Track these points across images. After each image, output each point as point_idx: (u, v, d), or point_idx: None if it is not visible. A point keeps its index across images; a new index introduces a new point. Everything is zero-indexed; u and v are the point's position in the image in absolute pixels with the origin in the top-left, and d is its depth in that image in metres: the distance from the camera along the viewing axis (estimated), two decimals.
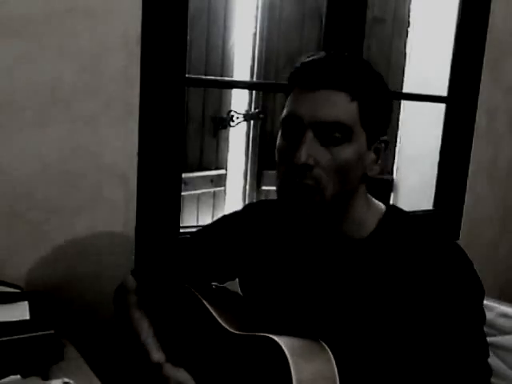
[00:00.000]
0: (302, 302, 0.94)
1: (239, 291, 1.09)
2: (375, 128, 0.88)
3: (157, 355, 0.97)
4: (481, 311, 0.86)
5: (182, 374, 0.94)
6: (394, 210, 0.96)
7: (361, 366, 0.87)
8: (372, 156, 0.89)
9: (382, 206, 0.96)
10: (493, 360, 0.92)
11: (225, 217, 1.12)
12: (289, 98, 0.89)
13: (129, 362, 1.08)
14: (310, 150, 0.83)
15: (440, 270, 0.85)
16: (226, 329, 0.96)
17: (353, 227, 0.92)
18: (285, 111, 0.88)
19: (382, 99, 0.89)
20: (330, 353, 0.84)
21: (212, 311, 1.01)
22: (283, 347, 0.82)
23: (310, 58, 0.87)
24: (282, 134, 0.89)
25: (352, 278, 0.90)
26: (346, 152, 0.84)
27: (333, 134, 0.83)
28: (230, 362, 0.95)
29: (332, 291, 0.91)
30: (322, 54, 0.88)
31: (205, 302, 1.03)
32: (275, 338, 0.85)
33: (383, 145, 0.90)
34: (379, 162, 0.90)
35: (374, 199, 0.96)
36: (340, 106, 0.83)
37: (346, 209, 0.90)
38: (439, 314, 0.83)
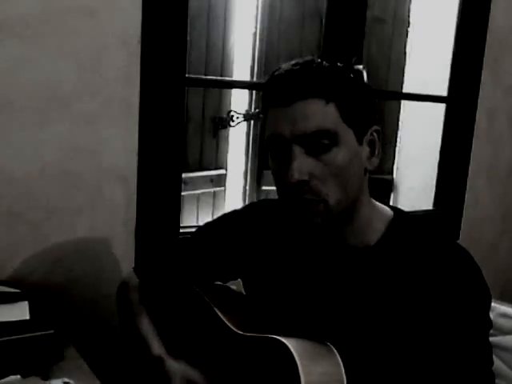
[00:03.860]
0: (308, 307, 0.93)
1: (243, 291, 1.09)
2: (361, 122, 0.86)
3: (158, 349, 0.98)
4: (487, 319, 0.86)
5: (182, 367, 0.94)
6: (401, 215, 0.94)
7: (368, 370, 0.86)
8: (366, 149, 0.88)
9: (387, 209, 0.94)
10: None
11: (226, 215, 1.11)
12: (267, 118, 0.87)
13: (129, 360, 1.08)
14: (301, 165, 0.81)
15: (449, 277, 0.83)
16: (232, 329, 0.95)
17: (359, 231, 0.90)
18: (266, 132, 0.87)
19: (358, 92, 0.87)
20: (338, 356, 0.83)
21: (217, 311, 0.99)
22: (291, 349, 0.81)
23: (276, 74, 0.86)
24: (270, 156, 0.88)
25: (359, 284, 0.89)
26: (338, 156, 0.82)
27: (319, 141, 0.82)
28: (237, 363, 0.94)
29: (339, 296, 0.90)
30: (287, 65, 0.86)
31: (209, 301, 1.02)
32: (283, 339, 0.83)
33: (375, 134, 0.88)
34: (376, 152, 0.89)
35: (376, 201, 0.94)
36: (317, 114, 0.82)
37: (353, 212, 0.88)
38: (446, 320, 0.82)
